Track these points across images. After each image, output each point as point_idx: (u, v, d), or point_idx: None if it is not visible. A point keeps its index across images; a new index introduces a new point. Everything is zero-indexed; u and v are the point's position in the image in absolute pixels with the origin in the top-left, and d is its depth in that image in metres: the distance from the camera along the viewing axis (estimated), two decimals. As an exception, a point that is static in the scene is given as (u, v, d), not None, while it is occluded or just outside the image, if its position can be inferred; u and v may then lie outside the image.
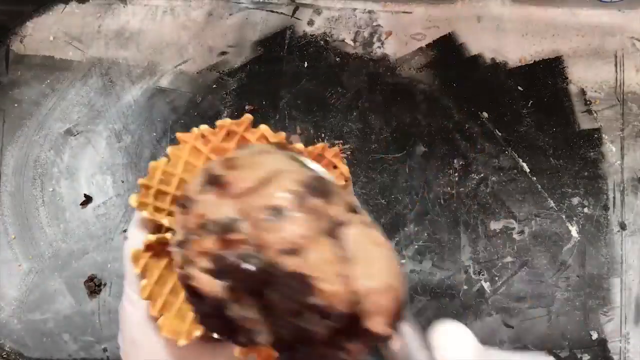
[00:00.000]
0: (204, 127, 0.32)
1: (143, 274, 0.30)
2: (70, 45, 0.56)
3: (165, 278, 0.30)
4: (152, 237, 0.30)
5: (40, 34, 0.57)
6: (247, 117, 0.32)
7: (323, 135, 0.55)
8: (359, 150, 0.55)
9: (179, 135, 0.33)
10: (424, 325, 0.54)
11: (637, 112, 0.56)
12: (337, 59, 0.56)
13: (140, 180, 0.31)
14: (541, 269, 0.53)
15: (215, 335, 0.28)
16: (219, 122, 0.32)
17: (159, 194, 0.31)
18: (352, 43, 0.56)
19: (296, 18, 0.57)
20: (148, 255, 0.30)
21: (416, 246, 0.54)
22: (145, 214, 0.31)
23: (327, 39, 0.56)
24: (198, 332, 0.29)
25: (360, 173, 0.54)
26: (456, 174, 0.55)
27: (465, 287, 0.53)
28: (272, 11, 0.57)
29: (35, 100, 0.56)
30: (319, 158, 0.32)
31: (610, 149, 0.55)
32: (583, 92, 0.56)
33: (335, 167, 0.33)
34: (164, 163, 0.32)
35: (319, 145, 0.33)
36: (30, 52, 0.56)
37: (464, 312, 0.53)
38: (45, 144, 0.55)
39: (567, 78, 0.56)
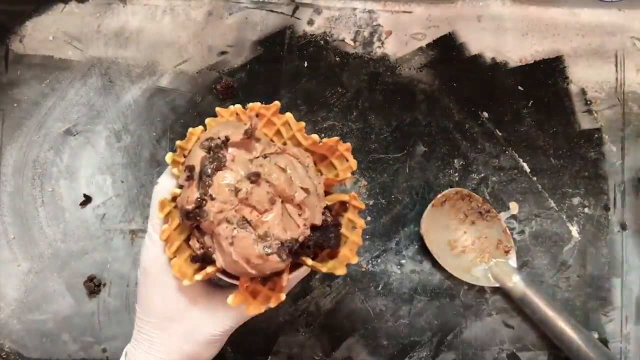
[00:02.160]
0: (238, 107, 0.39)
1: (165, 220, 0.36)
2: (69, 45, 0.56)
3: (183, 228, 0.36)
4: (179, 191, 0.36)
5: (39, 34, 0.57)
6: (276, 104, 0.38)
7: (323, 135, 0.55)
8: (359, 150, 0.55)
9: (218, 109, 0.39)
10: (424, 326, 0.54)
11: (638, 112, 0.55)
12: (337, 59, 0.56)
13: (178, 142, 0.37)
14: (541, 269, 0.53)
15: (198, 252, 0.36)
16: (250, 105, 0.38)
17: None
18: (352, 43, 0.56)
19: (296, 17, 0.57)
20: (173, 205, 0.36)
21: (416, 246, 0.54)
22: (175, 171, 0.37)
23: (327, 38, 0.56)
24: (200, 277, 0.35)
25: (361, 173, 0.54)
26: (456, 174, 0.54)
27: (465, 287, 0.53)
28: (272, 11, 0.57)
29: (35, 100, 0.56)
30: (332, 149, 0.37)
31: (611, 149, 0.55)
32: (583, 92, 0.56)
33: (347, 159, 0.38)
34: (200, 130, 0.38)
35: (334, 138, 0.37)
36: (30, 51, 0.56)
37: (464, 312, 0.53)
38: (44, 144, 0.55)
39: (568, 78, 0.56)
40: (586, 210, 0.54)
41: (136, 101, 0.56)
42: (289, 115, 0.38)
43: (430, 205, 0.52)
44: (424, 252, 0.53)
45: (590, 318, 0.53)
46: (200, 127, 0.38)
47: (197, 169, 0.34)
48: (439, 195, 0.52)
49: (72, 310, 0.53)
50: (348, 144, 0.37)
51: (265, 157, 0.35)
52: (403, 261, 0.53)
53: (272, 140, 0.39)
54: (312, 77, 0.56)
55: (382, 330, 0.52)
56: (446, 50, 0.56)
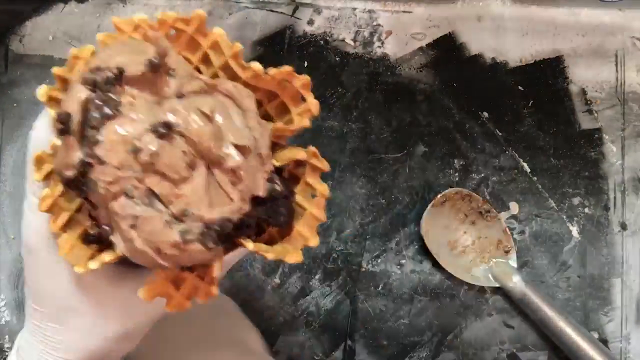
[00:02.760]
0: (144, 17, 0.26)
1: (46, 182, 0.25)
2: (69, 44, 0.56)
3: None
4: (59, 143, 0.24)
5: (39, 34, 0.57)
6: (198, 14, 0.26)
7: (324, 133, 0.55)
8: (359, 150, 0.55)
9: (115, 20, 0.26)
10: (424, 326, 0.54)
11: (638, 112, 0.55)
12: (337, 59, 0.56)
13: (55, 69, 0.25)
14: (542, 269, 0.53)
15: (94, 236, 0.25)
16: (160, 16, 0.26)
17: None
18: (352, 42, 0.56)
19: (296, 17, 0.57)
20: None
21: (416, 246, 0.54)
22: (52, 112, 0.25)
23: (327, 38, 0.56)
24: (95, 265, 0.24)
25: (360, 173, 0.54)
26: (456, 174, 0.54)
27: (465, 287, 0.53)
28: (272, 10, 0.57)
29: (35, 100, 0.55)
30: (284, 85, 0.26)
31: (611, 148, 0.55)
32: (584, 91, 0.56)
33: (303, 99, 0.26)
34: (88, 52, 0.25)
35: (285, 68, 0.25)
36: (30, 51, 0.56)
37: (464, 312, 0.53)
38: (44, 144, 0.55)
39: (568, 78, 0.56)
40: (586, 210, 0.54)
41: (136, 101, 0.56)
42: (218, 31, 0.26)
43: (430, 205, 0.52)
44: (424, 252, 0.53)
45: (590, 318, 0.53)
46: (90, 47, 0.25)
47: (78, 118, 0.22)
48: (438, 195, 0.52)
49: (72, 310, 0.53)
50: (306, 77, 0.26)
51: (180, 97, 0.23)
52: (403, 261, 0.53)
53: (198, 70, 0.26)
54: (312, 77, 0.55)
55: (382, 330, 0.52)
56: (446, 50, 0.56)
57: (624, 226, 0.54)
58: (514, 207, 0.54)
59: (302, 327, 0.52)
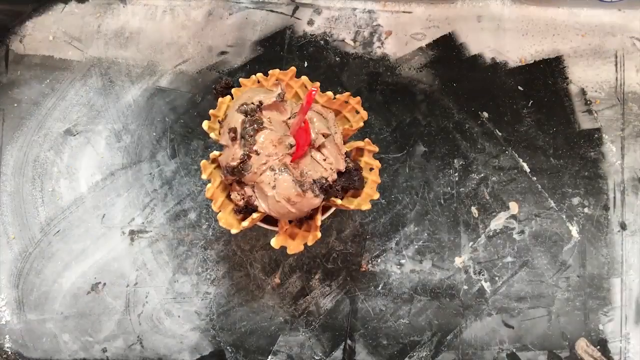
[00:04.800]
0: (260, 75, 0.45)
1: (209, 179, 0.42)
2: (69, 45, 0.56)
3: (224, 185, 0.43)
4: (217, 153, 0.42)
5: (39, 34, 0.57)
6: (292, 69, 0.45)
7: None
8: (359, 150, 0.55)
9: (241, 80, 0.44)
10: (424, 325, 0.54)
11: (638, 112, 0.56)
12: (337, 59, 0.56)
13: (211, 111, 0.43)
14: (541, 269, 0.53)
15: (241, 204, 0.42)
16: (270, 72, 0.45)
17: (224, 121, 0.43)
18: (352, 43, 0.56)
19: (296, 18, 0.57)
20: (213, 166, 0.42)
21: (416, 246, 0.54)
22: (212, 135, 0.42)
23: (327, 38, 0.56)
24: (246, 223, 0.40)
25: (360, 173, 0.54)
26: (456, 174, 0.54)
27: (465, 287, 0.53)
28: (272, 11, 0.57)
29: (35, 100, 0.56)
30: (344, 104, 0.44)
31: (611, 148, 0.55)
32: (583, 92, 0.56)
33: (357, 112, 0.44)
34: (229, 99, 0.44)
35: (346, 93, 0.43)
36: (30, 51, 0.56)
37: (463, 312, 0.53)
38: (44, 144, 0.55)
39: (568, 78, 0.56)
40: (586, 210, 0.54)
41: (136, 101, 0.56)
42: (304, 78, 0.45)
43: None
44: (424, 252, 0.53)
45: (590, 318, 0.53)
46: (228, 97, 0.44)
47: (239, 131, 0.40)
48: None
49: (72, 310, 0.53)
50: (358, 98, 0.44)
51: (294, 114, 0.42)
52: (403, 261, 0.53)
53: (293, 101, 0.44)
54: (312, 77, 0.56)
55: (382, 330, 0.53)
56: (446, 50, 0.56)
57: (623, 226, 0.54)
58: (514, 207, 0.54)
59: (302, 327, 0.53)
